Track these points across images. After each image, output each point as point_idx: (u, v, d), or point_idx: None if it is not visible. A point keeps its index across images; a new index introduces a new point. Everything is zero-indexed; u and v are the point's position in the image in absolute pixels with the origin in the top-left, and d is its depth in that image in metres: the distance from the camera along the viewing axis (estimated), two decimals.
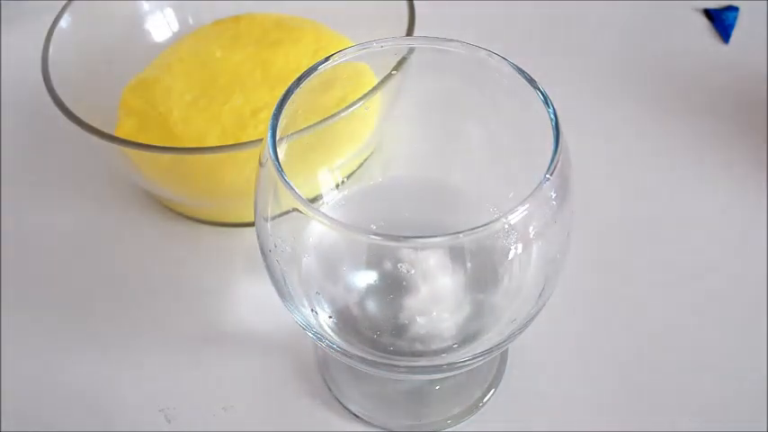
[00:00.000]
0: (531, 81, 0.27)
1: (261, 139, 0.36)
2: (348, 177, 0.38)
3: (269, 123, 0.26)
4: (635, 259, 0.40)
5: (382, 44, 0.29)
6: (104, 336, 0.38)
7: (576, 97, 0.49)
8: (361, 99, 0.35)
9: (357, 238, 0.23)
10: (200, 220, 0.43)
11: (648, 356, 0.36)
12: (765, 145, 0.45)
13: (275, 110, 0.27)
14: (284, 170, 0.25)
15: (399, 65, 0.35)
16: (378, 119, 0.39)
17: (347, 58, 0.29)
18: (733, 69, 0.50)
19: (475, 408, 0.35)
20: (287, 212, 0.25)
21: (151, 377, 0.37)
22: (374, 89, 0.36)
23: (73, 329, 0.39)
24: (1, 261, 0.42)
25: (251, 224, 0.43)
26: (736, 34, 0.53)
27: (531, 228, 0.25)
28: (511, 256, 0.26)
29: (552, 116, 0.26)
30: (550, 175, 0.24)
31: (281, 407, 0.36)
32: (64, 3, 0.44)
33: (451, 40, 0.29)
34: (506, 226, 0.24)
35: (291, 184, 0.24)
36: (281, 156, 0.26)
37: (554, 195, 0.25)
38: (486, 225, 0.23)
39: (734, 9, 0.54)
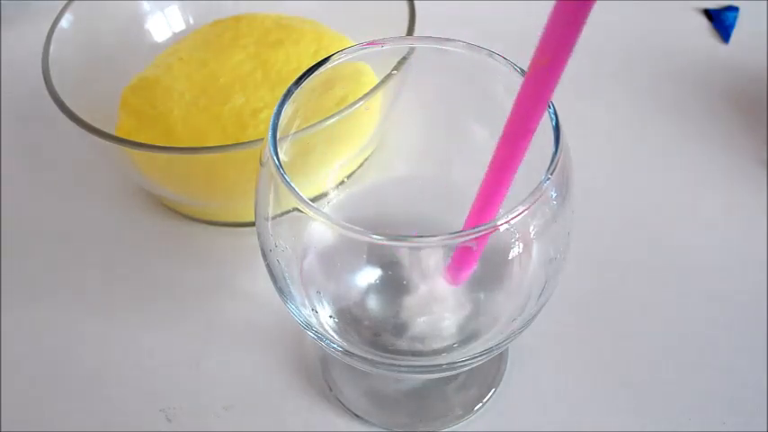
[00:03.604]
0: None
1: (261, 139, 0.36)
2: (349, 177, 0.38)
3: (270, 122, 0.26)
4: (635, 259, 0.40)
5: (382, 44, 0.29)
6: (103, 335, 0.38)
7: (575, 97, 0.48)
8: (361, 99, 0.35)
9: (357, 238, 0.23)
10: (201, 220, 0.43)
11: (648, 356, 0.36)
12: (765, 145, 0.45)
13: (276, 109, 0.27)
14: (285, 170, 0.25)
15: (400, 65, 0.35)
16: (378, 119, 0.39)
17: (347, 57, 0.29)
18: (733, 69, 0.50)
19: (475, 408, 0.35)
20: (287, 212, 0.25)
21: (151, 377, 0.37)
22: (375, 89, 0.36)
23: (72, 329, 0.39)
24: (1, 260, 0.42)
25: (251, 224, 0.43)
26: (736, 34, 0.53)
27: (531, 227, 0.25)
28: (511, 255, 0.26)
29: (552, 116, 0.26)
30: (551, 174, 0.24)
31: (282, 407, 0.36)
32: (64, 3, 0.44)
33: (452, 40, 0.29)
34: (507, 225, 0.24)
35: (292, 183, 0.24)
36: (282, 156, 0.26)
37: (554, 195, 0.25)
38: (486, 225, 0.23)
39: (734, 9, 0.54)
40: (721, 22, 0.53)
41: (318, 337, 0.29)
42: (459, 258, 0.27)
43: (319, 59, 0.28)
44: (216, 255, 0.42)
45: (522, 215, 0.24)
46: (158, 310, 0.39)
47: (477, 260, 0.27)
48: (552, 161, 0.24)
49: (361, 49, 0.29)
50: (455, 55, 0.29)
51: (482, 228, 0.23)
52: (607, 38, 0.53)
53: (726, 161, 0.45)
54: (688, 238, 0.41)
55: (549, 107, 0.26)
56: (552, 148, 0.25)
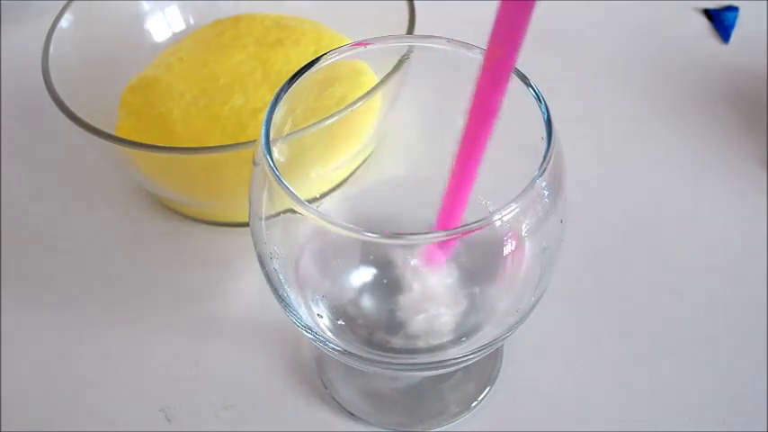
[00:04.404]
0: (524, 78, 0.27)
1: None
2: (349, 176, 0.38)
3: (263, 122, 0.26)
4: (633, 258, 0.40)
5: (370, 44, 0.29)
6: (104, 335, 0.39)
7: (575, 97, 0.49)
8: (360, 99, 0.35)
9: (351, 237, 0.23)
10: (200, 220, 0.43)
11: (646, 355, 0.36)
12: (765, 145, 0.45)
13: (269, 108, 0.26)
14: (283, 171, 0.25)
15: (399, 64, 0.35)
16: (377, 118, 0.39)
17: (337, 57, 0.29)
18: (733, 69, 0.50)
19: (471, 406, 0.35)
20: (282, 212, 0.25)
21: (151, 376, 0.37)
22: (374, 89, 0.36)
23: (72, 329, 0.39)
24: (1, 260, 0.42)
25: None
26: (736, 34, 0.53)
27: (524, 223, 0.25)
28: (505, 251, 0.26)
29: (544, 111, 0.26)
30: (543, 171, 0.24)
31: (279, 407, 0.36)
32: (64, 3, 0.44)
33: (440, 38, 0.29)
34: (500, 222, 0.24)
35: (285, 182, 0.24)
36: (279, 156, 0.26)
37: (546, 193, 0.25)
38: (479, 221, 0.23)
39: (734, 9, 0.54)
40: (721, 22, 0.53)
41: (315, 336, 0.29)
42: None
43: None
44: (216, 255, 0.42)
45: (515, 211, 0.24)
46: (158, 310, 0.39)
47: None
48: (545, 157, 0.25)
49: (351, 48, 0.29)
50: (451, 53, 0.29)
51: (475, 224, 0.23)
52: (607, 37, 0.53)
53: (726, 161, 0.45)
54: (688, 238, 0.41)
55: (542, 102, 0.26)
56: (545, 144, 0.25)
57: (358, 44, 0.29)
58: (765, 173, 0.44)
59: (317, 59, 0.28)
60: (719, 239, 0.41)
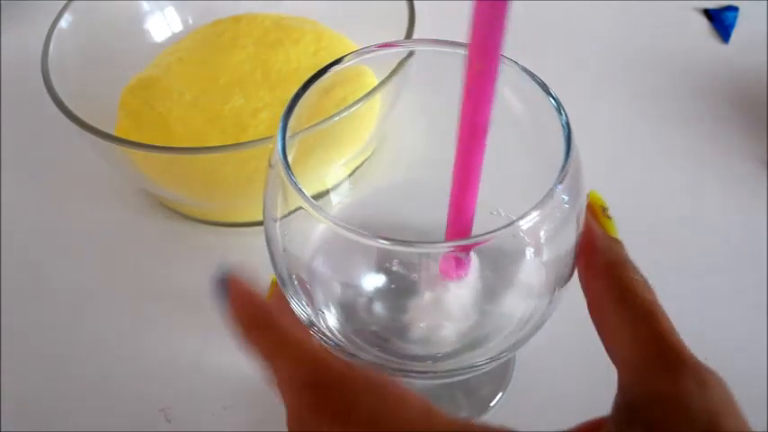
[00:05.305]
0: (543, 86, 0.26)
1: (261, 139, 0.36)
2: (349, 176, 0.38)
3: (279, 125, 0.26)
4: (637, 260, 0.40)
5: (393, 47, 0.29)
6: (104, 335, 0.38)
7: (575, 97, 0.48)
8: (361, 100, 0.35)
9: (366, 243, 0.23)
10: (201, 220, 0.43)
11: None
12: (765, 145, 0.45)
13: (285, 112, 0.26)
14: None
15: (399, 66, 0.35)
16: (378, 119, 0.39)
17: (355, 60, 0.28)
18: (733, 69, 0.50)
19: (482, 410, 0.35)
20: (296, 214, 0.25)
21: (151, 376, 0.37)
22: (373, 90, 0.36)
23: (72, 329, 0.39)
24: (1, 260, 0.42)
25: (251, 224, 0.43)
26: (736, 34, 0.53)
27: (541, 233, 0.25)
28: (521, 261, 0.26)
29: (564, 125, 0.25)
30: (562, 181, 0.24)
31: (281, 407, 0.35)
32: (64, 3, 0.44)
33: (458, 44, 0.29)
34: (518, 231, 0.23)
35: (301, 186, 0.24)
36: None
37: (566, 199, 0.25)
38: (496, 230, 0.23)
39: (734, 9, 0.54)
40: (721, 22, 0.53)
41: (323, 339, 0.29)
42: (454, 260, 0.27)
43: (319, 59, 0.28)
44: (216, 255, 0.42)
45: (533, 221, 0.23)
46: (158, 310, 0.39)
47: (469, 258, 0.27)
48: (563, 168, 0.24)
49: (376, 50, 0.28)
50: (455, 56, 0.29)
51: (492, 233, 0.23)
52: (607, 38, 0.53)
53: (726, 161, 0.45)
54: (688, 238, 0.41)
55: (562, 114, 0.25)
56: (563, 155, 0.24)
57: (384, 46, 0.28)
58: (765, 173, 0.44)
59: (339, 60, 0.28)
60: (719, 239, 0.41)
